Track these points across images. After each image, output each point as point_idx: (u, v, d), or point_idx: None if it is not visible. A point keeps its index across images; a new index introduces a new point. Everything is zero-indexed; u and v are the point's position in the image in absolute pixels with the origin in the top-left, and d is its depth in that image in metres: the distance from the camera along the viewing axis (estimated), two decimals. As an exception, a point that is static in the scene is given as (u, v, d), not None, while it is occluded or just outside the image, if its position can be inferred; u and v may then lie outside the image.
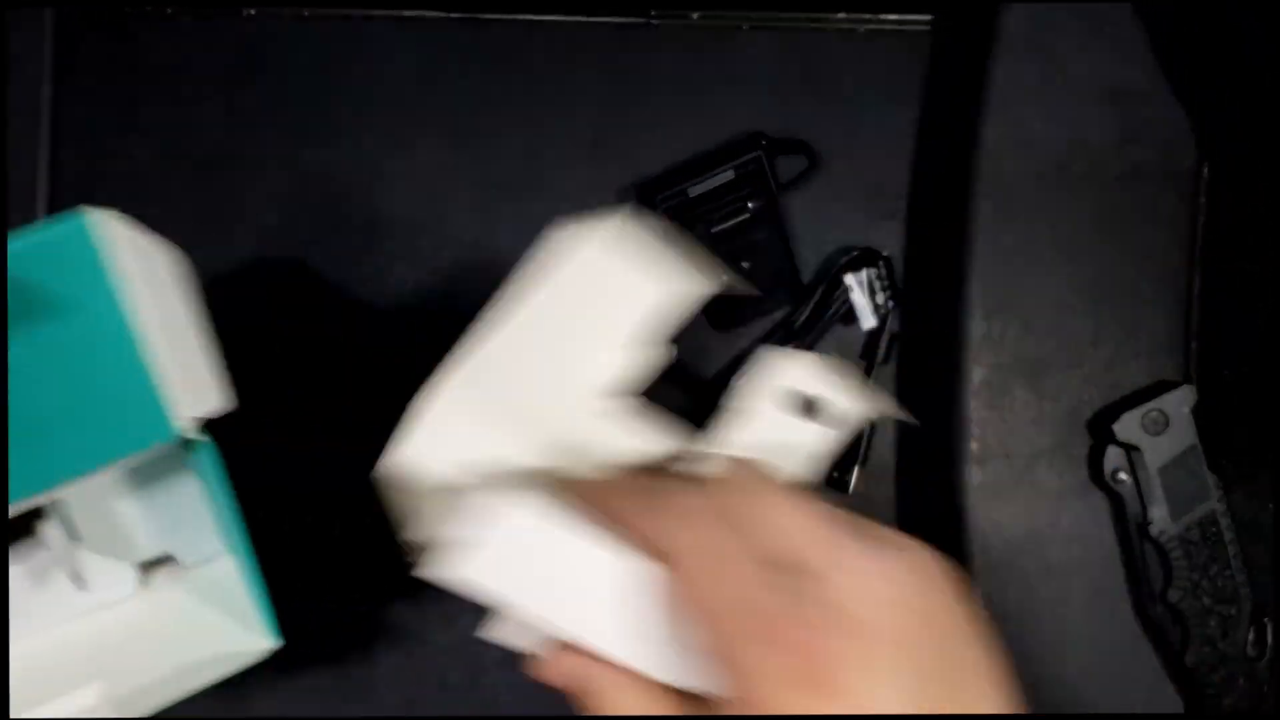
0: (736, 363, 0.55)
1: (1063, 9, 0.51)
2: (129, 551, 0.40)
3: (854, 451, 0.54)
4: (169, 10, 0.55)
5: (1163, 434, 0.49)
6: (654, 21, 0.56)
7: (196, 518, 0.40)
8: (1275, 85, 0.45)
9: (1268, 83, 0.45)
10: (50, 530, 0.39)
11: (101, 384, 0.33)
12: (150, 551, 0.41)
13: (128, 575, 0.41)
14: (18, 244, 0.32)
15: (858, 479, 0.54)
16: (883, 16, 0.56)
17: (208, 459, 0.36)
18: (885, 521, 0.54)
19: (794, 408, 0.36)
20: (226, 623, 0.38)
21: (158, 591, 0.42)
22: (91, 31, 0.55)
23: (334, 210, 0.55)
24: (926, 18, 0.56)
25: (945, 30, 0.56)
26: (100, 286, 0.32)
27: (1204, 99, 0.50)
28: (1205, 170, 0.51)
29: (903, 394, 0.55)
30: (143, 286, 0.33)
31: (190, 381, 0.35)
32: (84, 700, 0.35)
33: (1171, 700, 0.50)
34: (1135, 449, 0.49)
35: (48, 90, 0.54)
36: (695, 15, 0.56)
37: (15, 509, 0.33)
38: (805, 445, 0.36)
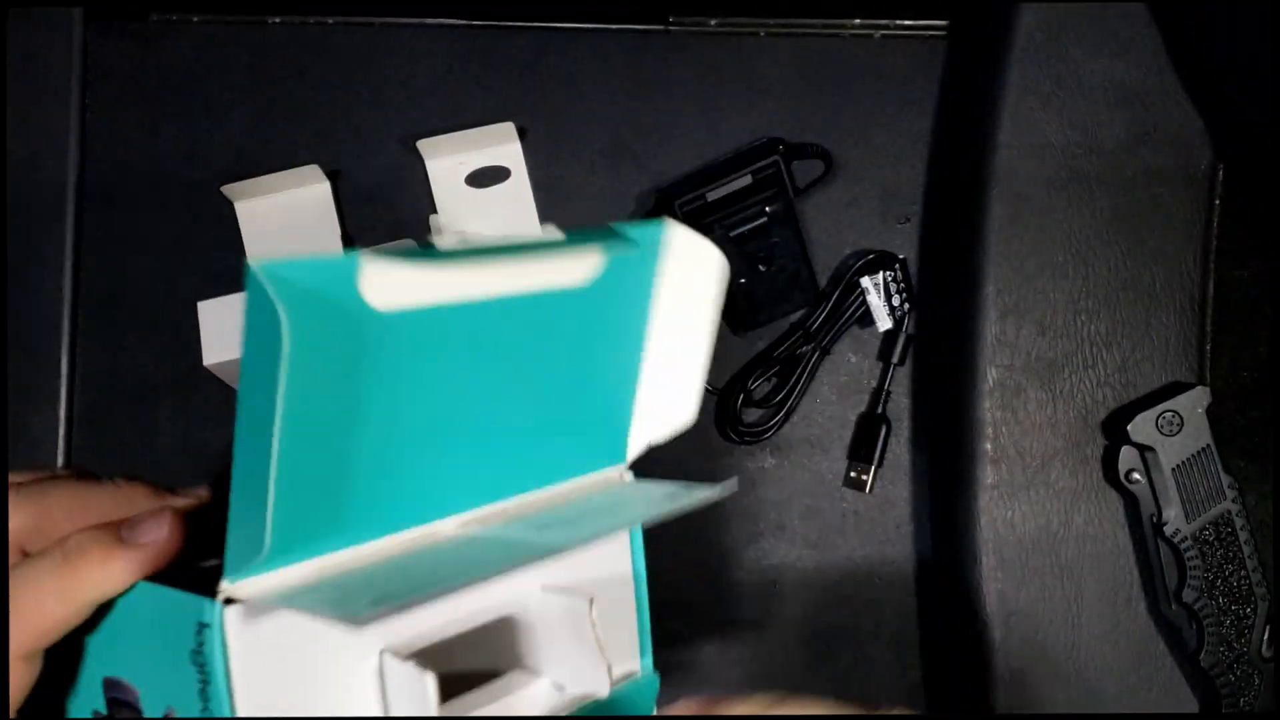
0: (754, 364, 0.55)
1: (1077, 13, 0.51)
2: None
3: (871, 451, 0.54)
4: (194, 18, 0.56)
5: (1177, 434, 0.49)
6: (672, 29, 0.56)
7: None
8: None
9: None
10: None
11: (589, 395, 0.29)
12: None
13: None
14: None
15: (874, 479, 0.55)
16: (898, 22, 0.57)
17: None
18: (900, 521, 0.55)
19: None
20: None
21: None
22: (119, 39, 0.56)
23: (357, 214, 0.55)
24: (941, 23, 0.57)
25: (960, 35, 0.56)
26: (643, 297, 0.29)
27: (1218, 100, 0.50)
28: (1220, 172, 0.51)
29: (918, 395, 0.56)
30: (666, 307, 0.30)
31: (668, 402, 0.31)
32: None
33: (1186, 700, 0.50)
34: (1149, 449, 0.49)
35: (75, 95, 0.55)
36: (713, 22, 0.56)
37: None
38: None
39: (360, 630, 0.26)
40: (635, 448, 0.31)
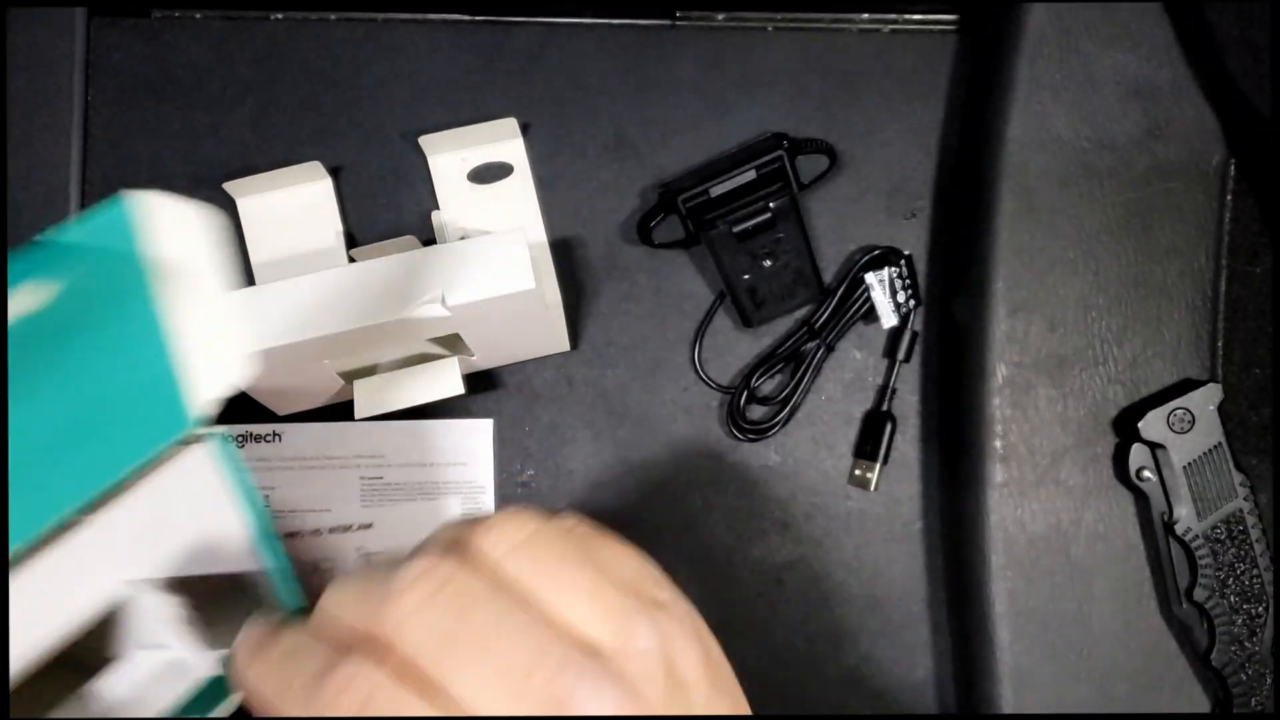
0: (760, 362, 0.55)
1: (1088, 7, 0.51)
2: None
3: (876, 449, 0.54)
4: (197, 14, 0.56)
5: (1188, 432, 0.49)
6: (679, 23, 0.56)
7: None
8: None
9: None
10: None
11: (119, 382, 0.30)
12: None
13: None
14: (61, 235, 0.31)
15: (879, 477, 0.54)
16: (907, 16, 0.56)
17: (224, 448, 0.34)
18: (906, 519, 0.55)
19: None
20: None
21: None
22: (121, 35, 0.56)
23: (359, 210, 0.55)
24: (951, 17, 0.56)
25: (970, 29, 0.56)
26: (134, 280, 0.31)
27: (1230, 95, 0.50)
28: (1232, 167, 0.51)
29: (926, 392, 0.55)
30: (176, 266, 0.32)
31: (211, 358, 0.33)
32: None
33: (1198, 700, 0.50)
34: (1160, 447, 0.49)
35: (79, 93, 0.55)
36: (720, 16, 0.56)
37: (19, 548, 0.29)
38: None
39: None
40: (199, 408, 0.32)
